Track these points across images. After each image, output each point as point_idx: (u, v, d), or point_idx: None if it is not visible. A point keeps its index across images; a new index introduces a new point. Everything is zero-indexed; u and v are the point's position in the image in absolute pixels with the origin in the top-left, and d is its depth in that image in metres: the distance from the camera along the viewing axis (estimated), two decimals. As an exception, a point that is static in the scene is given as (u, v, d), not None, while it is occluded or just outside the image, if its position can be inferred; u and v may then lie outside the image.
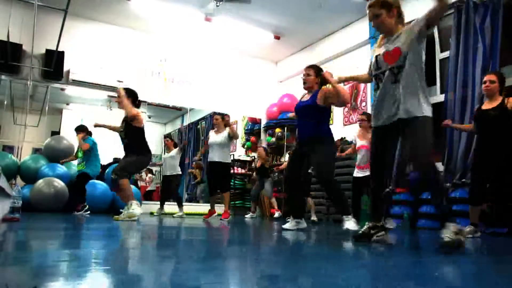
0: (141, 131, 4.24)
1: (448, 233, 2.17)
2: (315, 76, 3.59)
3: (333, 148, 3.59)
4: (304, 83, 3.63)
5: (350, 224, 3.39)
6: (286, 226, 3.63)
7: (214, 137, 5.37)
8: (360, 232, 2.59)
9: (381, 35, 2.57)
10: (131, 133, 4.17)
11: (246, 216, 7.01)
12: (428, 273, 1.49)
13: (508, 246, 3.06)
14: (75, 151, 6.08)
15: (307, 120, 3.53)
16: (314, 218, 6.02)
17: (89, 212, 5.43)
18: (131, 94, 4.31)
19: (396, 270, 1.62)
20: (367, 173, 4.42)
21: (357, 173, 4.75)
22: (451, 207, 4.71)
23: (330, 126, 3.71)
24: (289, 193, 3.79)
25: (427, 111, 2.33)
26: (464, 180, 4.66)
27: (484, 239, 3.46)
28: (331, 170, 3.49)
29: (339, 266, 1.65)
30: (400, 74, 2.37)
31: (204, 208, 7.94)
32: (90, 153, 5.64)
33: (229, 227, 4.14)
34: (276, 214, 6.80)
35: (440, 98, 5.51)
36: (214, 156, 5.25)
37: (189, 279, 1.15)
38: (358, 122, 4.92)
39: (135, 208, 3.86)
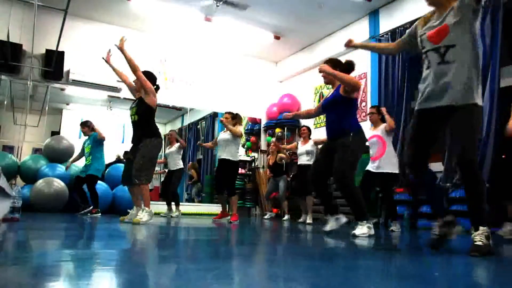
0: (152, 112, 4.06)
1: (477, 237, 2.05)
2: (333, 68, 3.41)
3: (358, 145, 3.27)
4: (323, 78, 3.50)
5: (361, 230, 3.10)
6: (328, 227, 3.38)
7: (222, 134, 5.29)
8: (434, 236, 2.25)
9: (428, 13, 2.37)
10: (143, 109, 3.98)
11: (265, 217, 6.98)
12: (428, 273, 1.49)
13: (508, 247, 3.06)
14: (78, 151, 5.98)
15: (332, 114, 3.39)
16: (309, 220, 5.74)
17: (100, 214, 5.30)
18: (149, 77, 4.17)
19: (396, 270, 1.62)
20: (380, 168, 4.34)
21: (371, 167, 4.51)
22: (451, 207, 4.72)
23: None
24: (316, 194, 3.58)
25: (478, 99, 2.11)
26: (464, 180, 4.66)
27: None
28: (348, 165, 3.19)
29: (337, 266, 1.65)
30: (448, 55, 2.15)
31: (204, 208, 7.96)
32: (96, 148, 5.50)
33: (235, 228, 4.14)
34: (286, 217, 6.54)
35: (440, 98, 5.51)
36: (222, 153, 5.16)
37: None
38: (368, 116, 4.75)
39: (145, 216, 3.77)
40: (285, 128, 8.27)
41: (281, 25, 7.36)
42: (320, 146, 6.22)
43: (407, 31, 2.55)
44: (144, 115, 3.99)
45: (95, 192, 5.40)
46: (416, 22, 2.47)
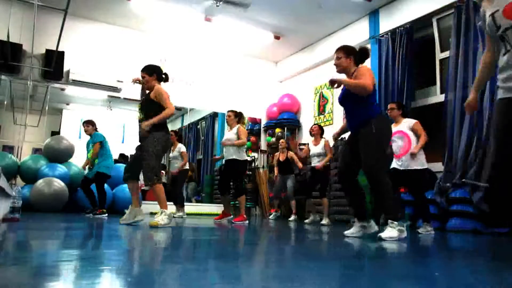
0: (162, 108, 3.76)
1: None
2: (346, 57, 3.21)
3: (380, 130, 3.02)
4: (336, 67, 3.27)
5: (390, 232, 2.82)
6: (349, 232, 3.14)
7: (227, 134, 5.17)
8: None
9: None
10: (149, 105, 3.75)
11: (270, 216, 6.91)
12: (428, 273, 1.49)
13: (509, 246, 3.06)
14: (78, 151, 5.91)
15: (351, 106, 3.16)
16: (324, 221, 5.59)
17: (107, 215, 5.21)
18: (154, 71, 3.92)
19: (396, 270, 1.62)
20: (405, 166, 4.11)
21: (397, 165, 4.23)
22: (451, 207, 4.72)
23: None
24: (345, 193, 3.30)
25: None
26: (464, 180, 4.66)
27: (484, 239, 3.45)
28: (376, 155, 2.96)
29: (337, 266, 1.65)
30: None
31: (204, 208, 7.97)
32: (101, 149, 5.43)
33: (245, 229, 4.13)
34: (292, 217, 6.40)
35: (440, 98, 5.52)
36: (228, 154, 5.04)
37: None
38: (387, 111, 4.50)
39: (164, 219, 3.47)
40: (285, 128, 8.28)
41: (281, 25, 7.36)
42: (335, 143, 6.01)
43: (482, 24, 2.10)
44: (151, 109, 3.75)
45: (103, 192, 5.35)
46: (482, 6, 2.09)
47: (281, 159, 6.70)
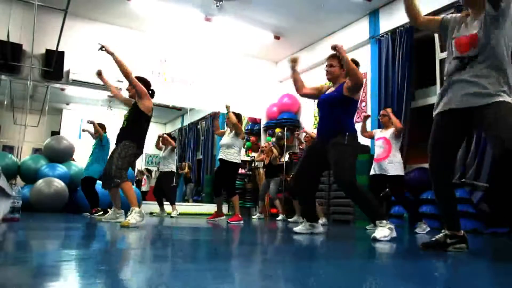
0: (146, 118, 3.76)
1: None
2: (340, 66, 3.22)
3: (354, 145, 3.07)
4: (327, 73, 3.32)
5: (381, 232, 2.80)
6: (298, 229, 3.30)
7: (224, 139, 5.19)
8: (433, 239, 2.19)
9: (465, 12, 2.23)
10: (134, 116, 3.73)
11: (253, 216, 6.96)
12: (428, 273, 1.49)
13: (509, 246, 3.06)
14: (78, 151, 5.95)
15: (329, 112, 3.16)
16: (321, 221, 5.63)
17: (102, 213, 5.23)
18: (143, 82, 3.91)
19: (396, 270, 1.62)
20: (385, 171, 4.32)
21: (374, 170, 4.46)
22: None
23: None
24: (300, 193, 3.35)
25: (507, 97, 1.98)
26: (464, 180, 4.66)
27: (484, 239, 3.45)
28: (350, 169, 2.95)
29: (337, 266, 1.65)
30: (471, 65, 2.08)
31: (204, 208, 7.96)
32: (99, 151, 5.48)
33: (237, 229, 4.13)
34: (280, 217, 6.47)
35: (440, 98, 5.51)
36: (221, 154, 5.05)
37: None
38: (379, 117, 4.75)
39: (134, 217, 3.38)
40: (285, 128, 8.28)
41: (281, 25, 7.36)
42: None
43: (442, 18, 2.45)
44: (134, 121, 3.74)
45: (94, 193, 5.36)
46: (460, 16, 2.31)
47: (266, 162, 6.86)
